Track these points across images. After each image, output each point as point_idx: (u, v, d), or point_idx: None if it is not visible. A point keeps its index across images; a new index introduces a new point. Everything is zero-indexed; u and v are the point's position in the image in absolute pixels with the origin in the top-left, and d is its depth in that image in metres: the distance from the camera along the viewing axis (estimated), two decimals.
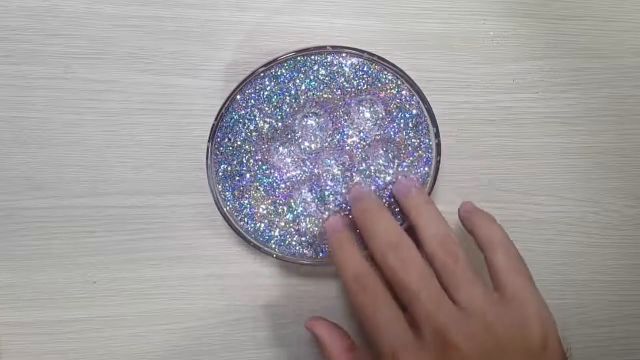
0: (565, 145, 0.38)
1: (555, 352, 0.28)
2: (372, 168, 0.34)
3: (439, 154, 0.33)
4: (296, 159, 0.33)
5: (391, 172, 0.34)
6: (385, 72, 0.33)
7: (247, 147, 0.33)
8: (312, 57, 0.32)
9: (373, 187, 0.34)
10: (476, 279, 0.29)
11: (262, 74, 0.32)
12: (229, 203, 0.33)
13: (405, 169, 0.34)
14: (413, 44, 0.36)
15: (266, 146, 0.33)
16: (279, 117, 0.33)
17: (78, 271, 0.35)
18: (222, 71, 0.35)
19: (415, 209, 0.32)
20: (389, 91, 0.33)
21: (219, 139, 0.33)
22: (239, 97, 0.32)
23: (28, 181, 0.34)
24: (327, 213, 0.34)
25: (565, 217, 0.38)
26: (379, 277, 0.29)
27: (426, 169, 0.34)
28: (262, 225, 0.33)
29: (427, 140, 0.33)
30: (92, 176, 0.34)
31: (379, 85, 0.33)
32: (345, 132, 0.33)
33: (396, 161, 0.34)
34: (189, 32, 0.34)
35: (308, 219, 0.33)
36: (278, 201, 0.33)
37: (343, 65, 0.33)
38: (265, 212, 0.33)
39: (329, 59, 0.32)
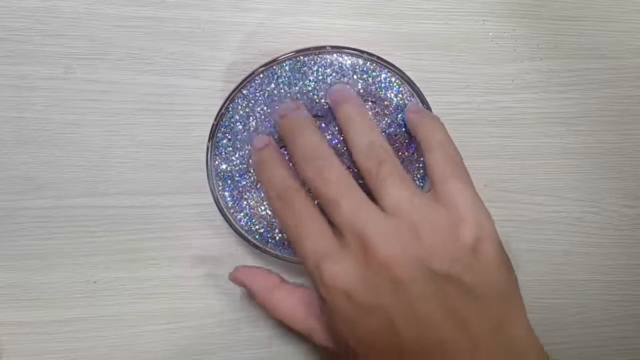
0: (565, 145, 0.38)
1: (489, 257, 0.26)
2: None
3: None
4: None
5: None
6: (385, 73, 0.33)
7: (246, 147, 0.33)
8: (312, 57, 0.32)
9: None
10: (403, 182, 0.27)
11: (262, 74, 0.32)
12: (228, 203, 0.33)
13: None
14: (413, 44, 0.36)
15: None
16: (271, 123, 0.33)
17: (78, 271, 0.35)
18: (222, 71, 0.35)
19: (346, 118, 0.30)
20: (388, 91, 0.33)
21: (218, 139, 0.33)
22: (238, 97, 0.32)
23: (28, 181, 0.34)
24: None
25: (565, 217, 0.38)
26: (304, 192, 0.29)
27: (423, 170, 0.34)
28: (262, 225, 0.33)
29: None
30: (92, 176, 0.34)
31: (378, 85, 0.33)
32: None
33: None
34: (189, 32, 0.34)
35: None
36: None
37: (342, 65, 0.33)
38: (264, 212, 0.33)
39: (328, 59, 0.32)
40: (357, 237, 0.26)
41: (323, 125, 0.33)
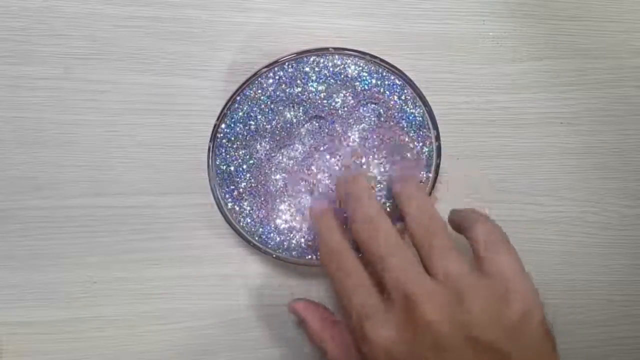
0: (565, 145, 0.38)
1: (534, 332, 0.26)
2: (373, 170, 0.34)
3: (438, 156, 0.33)
4: (296, 161, 0.33)
5: (392, 174, 0.34)
6: (387, 74, 0.33)
7: (247, 148, 0.33)
8: (314, 59, 0.32)
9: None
10: (453, 252, 0.28)
11: (264, 75, 0.32)
12: (229, 203, 0.33)
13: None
14: (413, 44, 0.36)
15: (266, 147, 0.33)
16: (280, 119, 0.33)
17: (78, 271, 0.35)
18: (223, 71, 0.35)
19: (403, 195, 0.31)
20: (390, 93, 0.33)
21: (219, 140, 0.33)
22: (240, 97, 0.32)
23: (28, 181, 0.34)
24: None
25: (565, 217, 0.38)
26: (355, 254, 0.29)
27: (426, 171, 0.34)
28: (262, 225, 0.33)
29: (428, 143, 0.33)
30: (92, 176, 0.34)
31: (380, 87, 0.33)
32: (346, 134, 0.33)
33: (397, 163, 0.34)
34: (189, 32, 0.34)
35: (307, 221, 0.33)
36: (278, 202, 0.33)
37: (345, 67, 0.33)
38: (264, 212, 0.33)
39: (330, 61, 0.32)
40: (403, 297, 0.26)
41: (324, 125, 0.33)
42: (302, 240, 0.34)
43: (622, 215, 0.38)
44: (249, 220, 0.33)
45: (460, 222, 0.31)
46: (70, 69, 0.34)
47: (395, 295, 0.27)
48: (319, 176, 0.33)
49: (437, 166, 0.34)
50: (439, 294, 0.26)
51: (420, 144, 0.33)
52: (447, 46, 0.36)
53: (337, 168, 0.34)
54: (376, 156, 0.34)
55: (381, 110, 0.33)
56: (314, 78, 0.32)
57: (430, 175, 0.34)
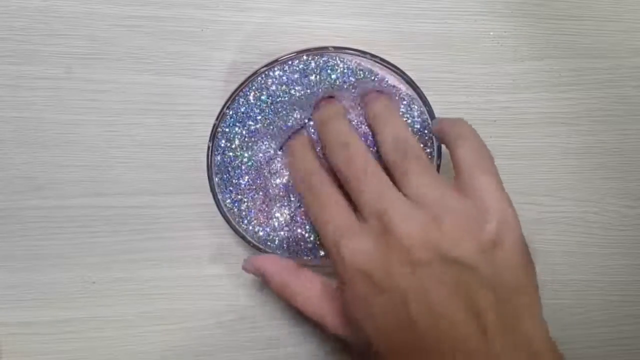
0: (565, 145, 0.38)
1: (509, 252, 0.26)
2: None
3: (439, 157, 0.33)
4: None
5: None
6: (387, 74, 0.33)
7: (246, 148, 0.33)
8: (314, 58, 0.32)
9: None
10: (426, 172, 0.28)
11: (263, 75, 0.32)
12: (228, 204, 0.33)
13: None
14: (413, 44, 0.36)
15: (266, 147, 0.33)
16: (280, 118, 0.33)
17: (78, 271, 0.35)
18: (222, 71, 0.35)
19: (376, 116, 0.31)
20: (390, 93, 0.33)
21: (219, 140, 0.33)
22: (239, 97, 0.32)
23: (28, 181, 0.34)
24: None
25: (565, 217, 0.38)
26: (329, 176, 0.29)
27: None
28: (262, 226, 0.33)
29: (429, 143, 0.33)
30: (92, 176, 0.34)
31: (381, 87, 0.33)
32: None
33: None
34: (189, 32, 0.34)
35: (307, 221, 0.33)
36: (277, 203, 0.33)
37: (344, 66, 0.32)
38: (264, 213, 0.33)
39: (330, 60, 0.32)
40: (378, 218, 0.26)
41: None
42: (303, 241, 0.33)
43: (623, 216, 0.38)
44: (248, 221, 0.33)
45: (444, 133, 0.30)
46: (70, 68, 0.34)
47: (370, 216, 0.27)
48: None
49: (438, 167, 0.33)
50: (414, 213, 0.26)
51: (421, 144, 0.33)
52: (447, 46, 0.36)
53: None
54: (376, 157, 0.34)
55: None
56: (313, 77, 0.32)
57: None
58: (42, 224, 0.34)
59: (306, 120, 0.33)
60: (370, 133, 0.33)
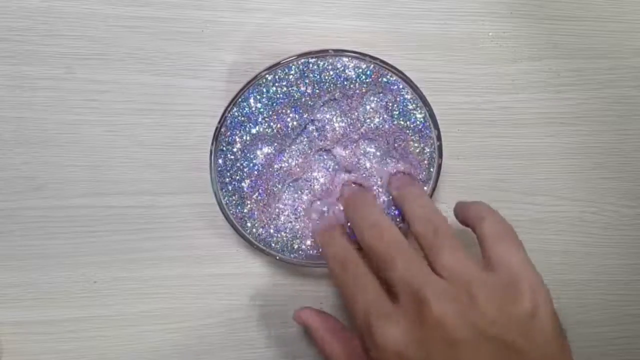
0: (565, 145, 0.38)
1: (544, 323, 0.26)
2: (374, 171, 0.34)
3: (440, 156, 0.33)
4: (297, 164, 0.33)
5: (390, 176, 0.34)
6: (388, 76, 0.33)
7: (248, 150, 0.33)
8: (314, 61, 0.32)
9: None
10: (459, 249, 0.28)
11: (265, 77, 0.32)
12: (231, 207, 0.33)
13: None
14: (413, 44, 0.36)
15: (267, 150, 0.33)
16: (281, 121, 0.33)
17: (78, 271, 0.35)
18: (222, 72, 0.35)
19: (404, 196, 0.31)
20: (391, 94, 0.33)
21: (221, 142, 0.32)
22: (241, 100, 0.32)
23: (28, 181, 0.34)
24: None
25: (565, 216, 0.38)
26: (362, 261, 0.29)
27: (428, 171, 0.34)
28: (264, 227, 0.33)
29: (429, 143, 0.33)
30: (92, 176, 0.34)
31: (382, 88, 0.33)
32: (348, 136, 0.33)
33: (398, 164, 0.34)
34: (189, 32, 0.34)
35: (309, 222, 0.33)
36: (280, 204, 0.33)
37: (345, 69, 0.32)
38: (267, 215, 0.33)
39: (331, 62, 0.32)
40: (411, 296, 0.26)
41: (322, 128, 0.33)
42: (306, 242, 0.33)
43: (622, 215, 0.38)
44: (252, 224, 0.33)
45: (466, 216, 0.31)
46: (70, 69, 0.34)
47: (403, 295, 0.26)
48: (321, 179, 0.33)
49: (439, 166, 0.34)
50: (447, 290, 0.26)
51: (422, 144, 0.33)
52: (447, 46, 0.36)
53: (344, 177, 0.34)
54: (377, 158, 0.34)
55: (382, 112, 0.33)
56: (314, 81, 0.32)
57: (432, 175, 0.34)
58: (42, 224, 0.34)
59: (308, 122, 0.33)
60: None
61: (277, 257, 0.33)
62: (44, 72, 0.33)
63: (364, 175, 0.33)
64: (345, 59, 0.32)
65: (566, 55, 0.37)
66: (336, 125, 0.33)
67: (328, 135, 0.33)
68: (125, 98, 0.34)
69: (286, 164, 0.33)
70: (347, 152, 0.33)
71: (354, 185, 0.33)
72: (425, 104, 0.33)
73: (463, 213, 0.31)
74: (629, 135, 0.38)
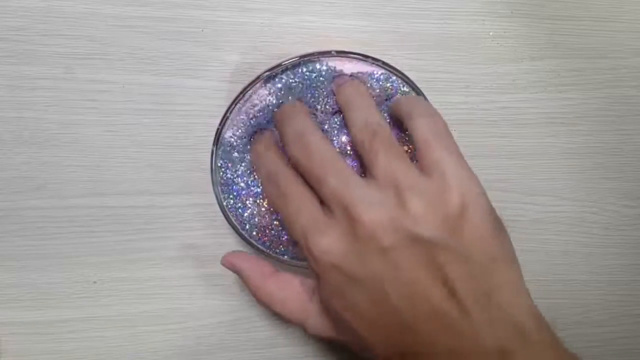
0: (565, 145, 0.38)
1: (476, 223, 0.26)
2: None
3: None
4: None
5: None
6: (390, 77, 0.33)
7: (248, 153, 0.33)
8: (316, 62, 0.32)
9: None
10: (393, 153, 0.27)
11: (266, 79, 0.32)
12: (232, 210, 0.33)
13: None
14: (412, 44, 0.36)
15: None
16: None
17: (78, 271, 0.35)
18: (223, 71, 0.35)
19: (346, 99, 0.31)
20: (393, 97, 0.33)
21: (222, 144, 0.32)
22: (241, 102, 0.32)
23: (28, 181, 0.34)
24: None
25: (565, 217, 0.38)
26: (292, 173, 0.29)
27: None
28: (265, 230, 0.33)
29: None
30: (92, 176, 0.34)
31: (384, 90, 0.33)
32: (349, 138, 0.33)
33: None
34: (190, 32, 0.34)
35: None
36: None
37: (346, 71, 0.32)
38: (270, 218, 0.33)
39: (333, 64, 0.32)
40: (342, 208, 0.26)
41: (327, 130, 0.33)
42: None
43: (622, 216, 0.38)
44: (251, 225, 0.33)
45: (400, 114, 0.30)
46: (70, 68, 0.34)
47: (336, 210, 0.26)
48: None
49: None
50: (378, 198, 0.26)
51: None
52: (447, 46, 0.36)
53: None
54: None
55: (385, 114, 0.33)
56: (316, 83, 0.32)
57: None
58: (42, 224, 0.34)
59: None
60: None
61: (279, 260, 0.33)
62: (43, 72, 0.33)
63: None
64: (347, 61, 0.32)
65: (566, 55, 0.37)
66: (340, 128, 0.33)
67: (330, 137, 0.33)
68: (125, 98, 0.34)
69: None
70: (351, 155, 0.33)
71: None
72: None
73: (395, 108, 0.31)
74: (629, 135, 0.38)
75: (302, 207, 0.28)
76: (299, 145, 0.28)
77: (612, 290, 0.39)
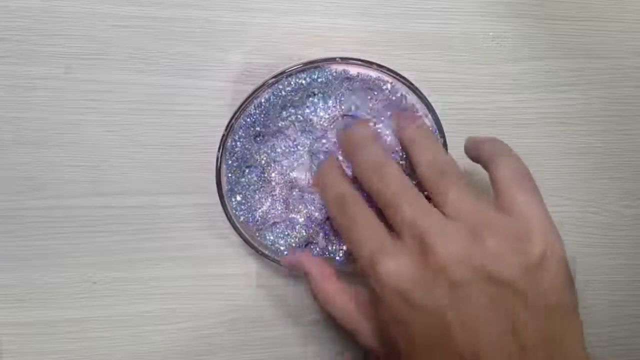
0: (565, 145, 0.38)
1: (552, 273, 0.25)
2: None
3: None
4: (303, 174, 0.33)
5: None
6: (396, 85, 0.33)
7: (254, 159, 0.33)
8: (321, 69, 0.32)
9: None
10: (465, 188, 0.27)
11: (272, 86, 0.32)
12: (236, 213, 0.33)
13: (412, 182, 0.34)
14: (413, 44, 0.36)
15: (273, 159, 0.33)
16: (286, 131, 0.33)
17: (78, 271, 0.35)
18: (222, 72, 0.35)
19: (413, 140, 0.31)
20: (398, 103, 0.33)
21: (227, 150, 0.32)
22: (248, 107, 0.32)
23: (28, 181, 0.34)
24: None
25: (565, 217, 0.38)
26: (360, 196, 0.29)
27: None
28: (271, 235, 0.33)
29: None
30: (92, 176, 0.34)
31: (388, 97, 0.33)
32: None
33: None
34: (190, 32, 0.34)
35: (316, 228, 0.33)
36: (287, 213, 0.33)
37: (351, 77, 0.32)
38: (272, 221, 0.33)
39: (337, 71, 0.32)
40: (416, 237, 0.26)
41: (330, 136, 0.33)
42: (315, 250, 0.33)
43: (622, 216, 0.38)
44: (256, 228, 0.33)
45: (479, 154, 0.30)
46: (70, 68, 0.34)
47: (407, 234, 0.26)
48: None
49: None
50: (453, 230, 0.25)
51: None
52: (447, 46, 0.36)
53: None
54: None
55: (389, 121, 0.33)
56: (320, 90, 0.32)
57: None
58: (42, 224, 0.34)
59: (312, 133, 0.33)
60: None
61: (281, 263, 0.33)
62: (43, 72, 0.33)
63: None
64: (351, 67, 0.32)
65: (567, 55, 0.37)
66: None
67: (335, 144, 0.33)
68: (125, 98, 0.34)
69: (292, 174, 0.33)
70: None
71: (349, 119, 0.32)
72: (432, 112, 0.33)
73: (476, 150, 0.30)
74: (629, 135, 0.38)
75: (372, 231, 0.27)
76: (376, 173, 0.28)
77: (613, 291, 0.39)
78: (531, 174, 0.28)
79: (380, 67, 0.32)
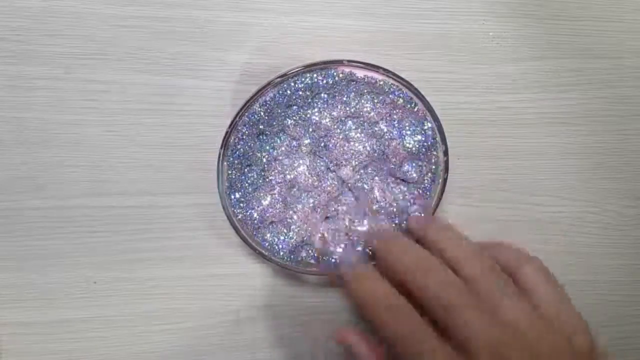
0: (565, 145, 0.38)
1: (600, 355, 0.29)
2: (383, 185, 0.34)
3: (446, 170, 0.33)
4: (303, 174, 0.33)
5: (403, 189, 0.34)
6: (400, 89, 0.33)
7: (255, 158, 0.33)
8: (326, 71, 0.32)
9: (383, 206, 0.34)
10: (515, 291, 0.29)
11: (276, 86, 0.32)
12: (235, 211, 0.33)
13: (412, 188, 0.34)
14: (413, 44, 0.36)
15: (274, 159, 0.33)
16: (288, 130, 0.33)
17: (78, 271, 0.35)
18: (222, 72, 0.35)
19: (441, 241, 0.31)
20: (402, 108, 0.33)
21: (229, 147, 0.32)
22: (252, 106, 0.32)
23: (28, 181, 0.34)
24: (335, 227, 0.33)
25: (565, 217, 0.38)
26: (408, 302, 0.29)
27: (433, 185, 0.34)
28: (270, 235, 0.33)
29: (432, 160, 0.33)
30: (92, 176, 0.34)
31: (393, 101, 0.33)
32: (357, 148, 0.33)
33: (405, 180, 0.33)
34: (189, 32, 0.34)
35: (311, 229, 0.33)
36: (285, 213, 0.33)
37: (357, 81, 0.32)
38: (271, 223, 0.33)
39: (343, 74, 0.32)
40: (488, 349, 0.27)
41: (333, 141, 0.33)
42: (310, 251, 0.33)
43: (622, 216, 0.38)
44: (254, 227, 0.33)
45: (506, 264, 0.31)
46: (70, 68, 0.34)
47: (481, 350, 0.27)
48: (328, 189, 0.33)
49: (445, 180, 0.33)
50: (519, 343, 0.27)
51: (426, 162, 0.33)
52: (447, 46, 0.36)
53: (346, 184, 0.33)
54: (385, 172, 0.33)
55: (391, 127, 0.33)
56: (324, 92, 0.32)
57: (438, 189, 0.34)
58: (42, 224, 0.34)
59: (314, 135, 0.33)
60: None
61: (279, 265, 0.33)
62: (43, 72, 0.33)
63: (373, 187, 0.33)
64: (358, 71, 0.32)
65: (567, 55, 0.37)
66: (347, 138, 0.33)
67: (337, 148, 0.33)
68: (125, 98, 0.34)
69: (290, 175, 0.33)
70: (353, 172, 0.33)
71: (380, 226, 0.33)
72: (435, 118, 0.33)
73: (503, 258, 0.32)
74: (629, 135, 0.38)
75: (426, 338, 0.28)
76: (431, 280, 0.28)
77: (613, 291, 0.39)
78: (550, 271, 0.31)
79: (386, 71, 0.32)
